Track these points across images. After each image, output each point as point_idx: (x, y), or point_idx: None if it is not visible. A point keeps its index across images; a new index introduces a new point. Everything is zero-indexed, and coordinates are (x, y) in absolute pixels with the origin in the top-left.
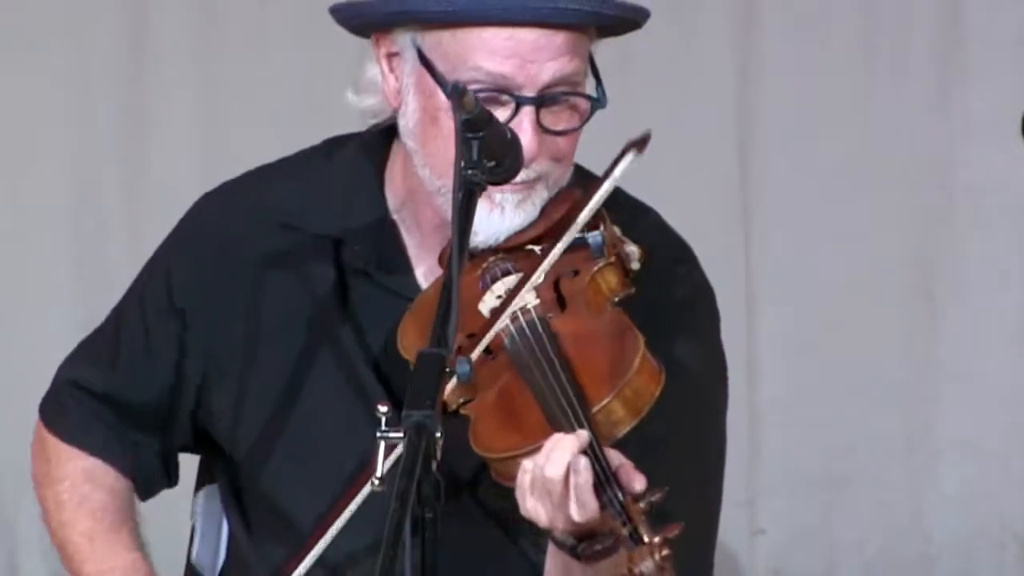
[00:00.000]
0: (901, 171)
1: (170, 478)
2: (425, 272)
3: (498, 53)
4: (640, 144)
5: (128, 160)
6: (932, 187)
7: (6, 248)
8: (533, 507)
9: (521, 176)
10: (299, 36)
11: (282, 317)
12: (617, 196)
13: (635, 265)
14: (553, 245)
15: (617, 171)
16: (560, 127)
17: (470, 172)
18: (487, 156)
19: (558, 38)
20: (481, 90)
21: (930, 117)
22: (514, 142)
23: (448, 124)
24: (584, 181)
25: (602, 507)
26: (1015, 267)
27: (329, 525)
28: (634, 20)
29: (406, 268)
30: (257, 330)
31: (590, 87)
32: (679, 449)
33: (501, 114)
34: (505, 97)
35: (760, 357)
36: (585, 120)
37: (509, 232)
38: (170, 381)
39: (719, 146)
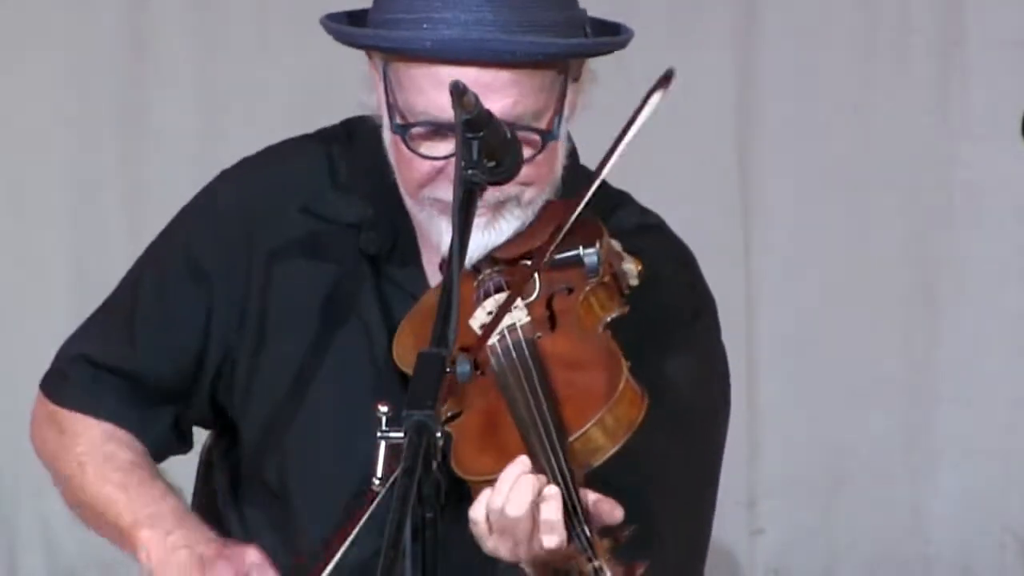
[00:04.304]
0: (901, 171)
1: (185, 443)
2: (432, 272)
3: (442, 94)
4: (664, 81)
5: (128, 160)
6: (932, 187)
7: (6, 248)
8: (494, 547)
9: (478, 203)
10: (299, 36)
11: (296, 302)
12: (624, 202)
13: (633, 282)
14: (543, 256)
15: (640, 119)
16: None
17: (470, 172)
18: (487, 156)
19: (503, 75)
20: (429, 125)
21: (930, 117)
22: (514, 142)
23: (404, 151)
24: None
25: (569, 541)
26: (1015, 267)
27: (342, 539)
28: (594, 53)
29: (416, 260)
30: (271, 314)
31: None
32: (670, 463)
33: (447, 147)
34: (451, 132)
35: (760, 357)
36: (539, 151)
37: (485, 249)
38: (192, 352)
39: (719, 146)
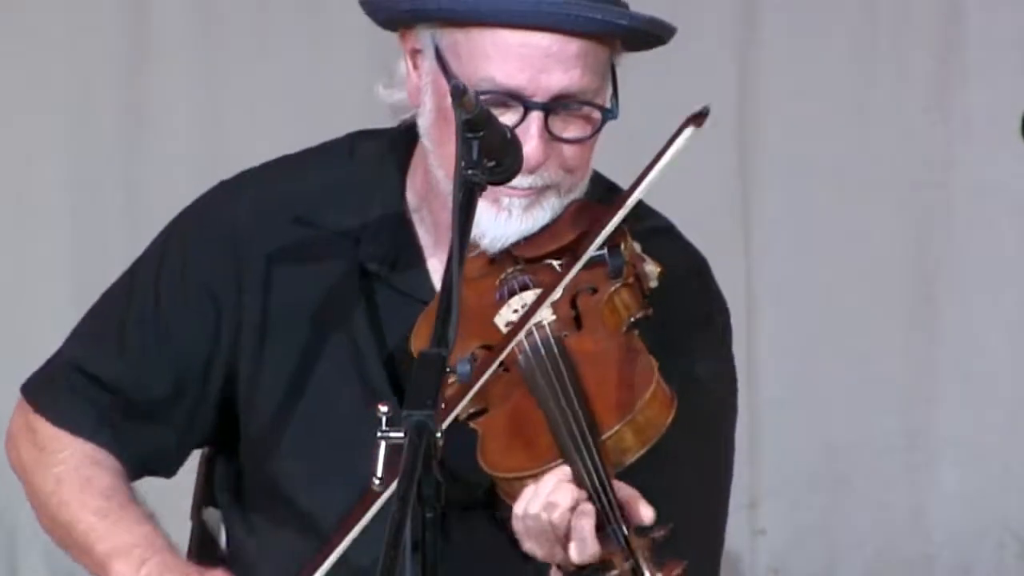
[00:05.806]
0: (901, 171)
1: (168, 469)
2: (438, 278)
3: (509, 61)
4: (698, 118)
5: (128, 160)
6: (932, 187)
7: (6, 248)
8: (531, 548)
9: (528, 182)
10: (299, 36)
11: (293, 312)
12: (636, 208)
13: (653, 283)
14: (573, 260)
15: (669, 153)
16: (569, 134)
17: (470, 172)
18: (487, 156)
19: (572, 46)
20: (491, 95)
21: (930, 117)
22: (514, 142)
23: None
24: (609, 195)
25: (605, 540)
26: (1015, 267)
27: (348, 530)
28: (653, 34)
29: (420, 268)
30: (269, 324)
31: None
32: (689, 465)
33: (510, 118)
34: (514, 102)
35: (760, 357)
36: (596, 130)
37: (517, 236)
38: (182, 365)
39: (719, 146)
